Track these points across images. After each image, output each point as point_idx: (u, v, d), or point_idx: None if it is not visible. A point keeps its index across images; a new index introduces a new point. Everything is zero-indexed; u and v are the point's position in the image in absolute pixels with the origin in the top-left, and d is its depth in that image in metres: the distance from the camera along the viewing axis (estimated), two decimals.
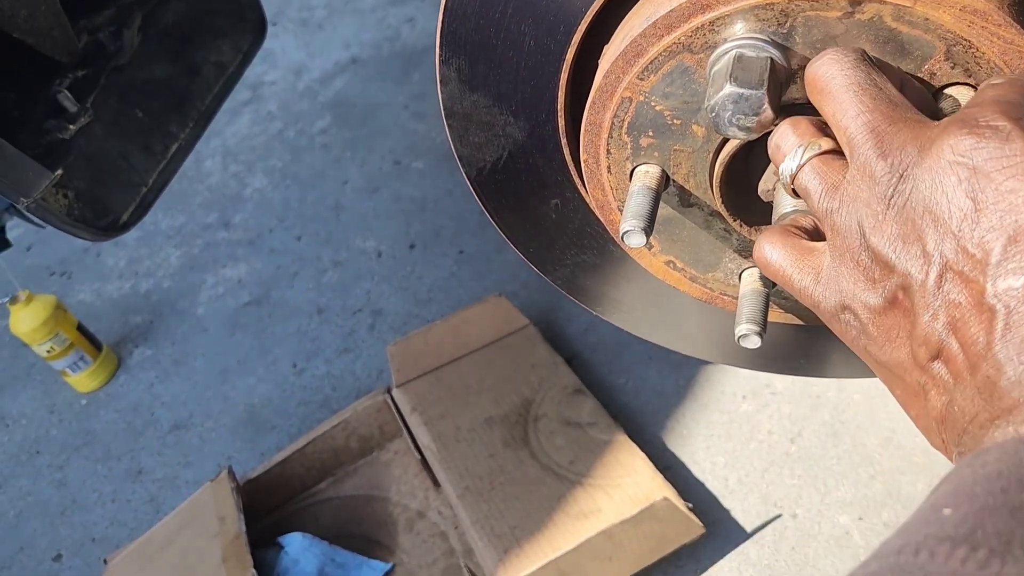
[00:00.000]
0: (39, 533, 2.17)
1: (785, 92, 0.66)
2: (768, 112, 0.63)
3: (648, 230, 0.73)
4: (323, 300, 2.52)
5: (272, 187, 2.99)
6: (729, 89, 0.62)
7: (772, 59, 0.64)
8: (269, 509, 1.91)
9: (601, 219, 0.86)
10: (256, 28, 1.71)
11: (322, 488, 1.95)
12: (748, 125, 0.63)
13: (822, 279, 0.57)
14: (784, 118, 0.65)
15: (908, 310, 0.53)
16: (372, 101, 3.18)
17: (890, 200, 0.52)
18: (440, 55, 0.81)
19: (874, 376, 1.10)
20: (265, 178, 3.04)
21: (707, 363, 1.95)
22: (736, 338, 0.82)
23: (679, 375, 1.97)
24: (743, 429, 1.83)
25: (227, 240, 2.85)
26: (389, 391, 1.98)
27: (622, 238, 0.73)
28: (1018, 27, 0.61)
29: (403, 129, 3.01)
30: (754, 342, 0.81)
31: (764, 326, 0.81)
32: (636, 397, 1.97)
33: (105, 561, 1.89)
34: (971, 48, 0.62)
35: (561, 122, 0.83)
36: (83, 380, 2.46)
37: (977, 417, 0.49)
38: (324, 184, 2.92)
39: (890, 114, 0.54)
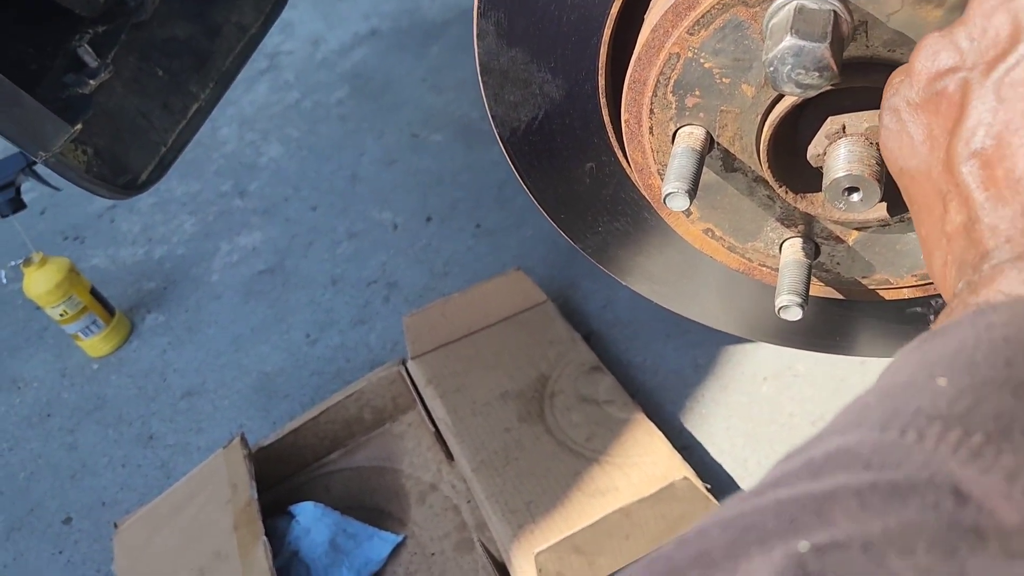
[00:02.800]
0: (49, 495, 2.17)
1: (847, 48, 0.63)
2: (830, 68, 0.60)
3: (692, 193, 0.70)
4: (338, 271, 2.50)
5: (288, 157, 2.96)
6: (790, 41, 0.59)
7: (835, 12, 0.60)
8: (281, 478, 1.90)
9: (639, 183, 0.83)
10: None
11: (334, 459, 1.93)
12: (807, 82, 0.60)
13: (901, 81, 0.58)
14: (845, 77, 0.62)
15: (956, 104, 0.51)
16: (390, 73, 3.14)
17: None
18: (479, 8, 0.78)
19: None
20: (281, 147, 3.01)
21: (727, 343, 1.92)
22: (776, 309, 0.79)
23: (698, 354, 1.94)
24: (764, 411, 1.80)
25: (242, 208, 2.83)
26: (404, 363, 1.96)
27: (664, 201, 0.70)
28: None
29: (421, 102, 2.97)
30: (795, 314, 0.78)
31: (806, 298, 0.79)
32: (654, 376, 1.94)
33: (115, 525, 1.88)
34: None
35: (601, 81, 0.80)
36: (95, 344, 2.45)
37: (1012, 242, 0.47)
38: (341, 155, 2.89)
39: None
